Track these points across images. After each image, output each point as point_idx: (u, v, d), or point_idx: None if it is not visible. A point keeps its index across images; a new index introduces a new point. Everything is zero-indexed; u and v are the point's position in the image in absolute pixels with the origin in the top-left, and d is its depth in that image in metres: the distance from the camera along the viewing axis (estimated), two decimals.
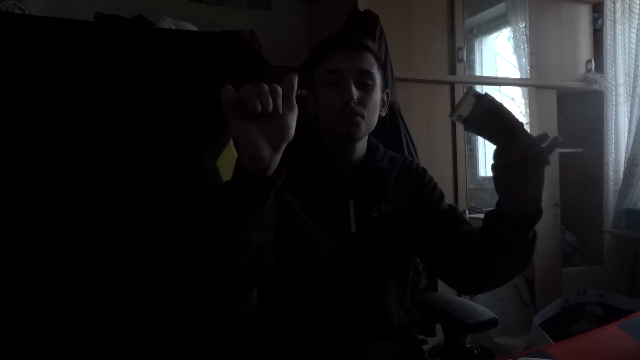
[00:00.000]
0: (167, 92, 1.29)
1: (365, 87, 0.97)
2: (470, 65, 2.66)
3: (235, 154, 1.22)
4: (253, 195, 0.69)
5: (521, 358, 0.85)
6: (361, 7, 1.71)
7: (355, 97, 0.94)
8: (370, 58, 0.99)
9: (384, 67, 1.05)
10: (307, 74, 1.04)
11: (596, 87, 2.44)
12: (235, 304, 1.07)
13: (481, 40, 2.81)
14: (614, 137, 2.42)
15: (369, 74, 0.98)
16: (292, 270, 0.94)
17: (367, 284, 0.95)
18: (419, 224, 1.01)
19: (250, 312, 1.09)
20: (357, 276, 0.95)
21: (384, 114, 1.07)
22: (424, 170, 1.10)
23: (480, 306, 1.11)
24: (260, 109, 0.65)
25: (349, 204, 0.97)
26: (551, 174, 2.33)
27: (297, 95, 1.01)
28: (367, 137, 1.06)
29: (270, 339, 0.98)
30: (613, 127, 2.42)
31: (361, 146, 1.04)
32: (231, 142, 1.22)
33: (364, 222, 0.98)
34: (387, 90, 1.07)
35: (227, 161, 1.25)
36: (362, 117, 0.97)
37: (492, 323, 1.06)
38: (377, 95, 1.00)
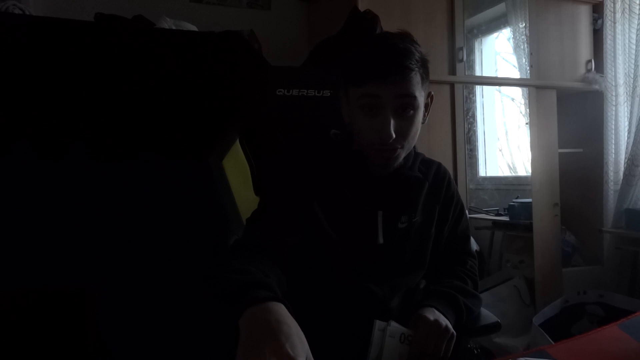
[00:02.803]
0: (167, 92, 1.28)
1: (406, 114, 0.87)
2: (470, 65, 2.66)
3: (241, 155, 1.22)
4: None
5: (521, 358, 0.85)
6: (361, 7, 1.71)
7: (393, 135, 0.85)
8: (414, 78, 0.87)
9: (428, 73, 0.95)
10: (338, 82, 0.96)
11: (596, 87, 2.44)
12: None
13: (481, 40, 2.81)
14: (614, 137, 2.42)
15: (411, 99, 0.87)
16: (304, 282, 0.93)
17: (380, 294, 0.95)
18: (434, 237, 1.03)
19: None
20: (371, 287, 0.94)
21: (426, 121, 0.98)
22: (455, 191, 1.08)
23: (483, 309, 1.09)
24: None
25: (377, 215, 0.94)
26: (551, 174, 2.33)
27: (318, 96, 0.99)
28: None
29: None
30: (613, 127, 2.42)
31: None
32: (237, 142, 1.22)
33: (391, 233, 0.96)
34: (432, 93, 0.98)
35: (232, 162, 1.26)
36: (402, 148, 0.90)
37: (495, 327, 1.04)
38: (419, 117, 0.91)
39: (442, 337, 0.85)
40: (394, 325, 0.83)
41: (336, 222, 0.92)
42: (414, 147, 1.02)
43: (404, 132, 0.88)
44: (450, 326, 0.88)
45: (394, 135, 0.85)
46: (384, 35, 0.94)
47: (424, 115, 0.95)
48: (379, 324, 0.82)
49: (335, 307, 0.93)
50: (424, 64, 0.92)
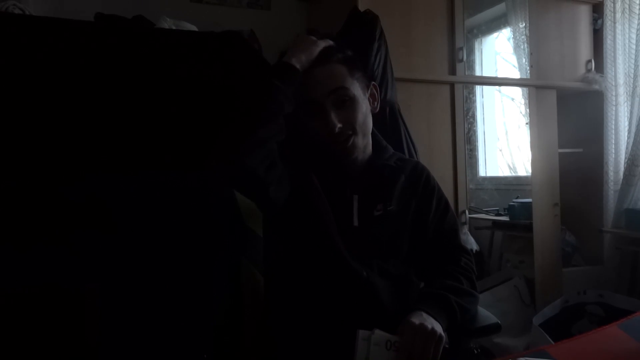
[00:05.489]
0: (167, 92, 1.29)
1: (344, 104, 0.99)
2: (470, 65, 2.66)
3: None
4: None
5: (521, 358, 0.85)
6: (361, 7, 1.71)
7: (338, 125, 0.97)
8: (337, 69, 1.00)
9: (357, 66, 1.06)
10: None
11: (596, 87, 2.44)
12: (240, 296, 1.09)
13: (481, 40, 2.81)
14: (614, 137, 2.42)
15: (343, 90, 0.99)
16: (302, 247, 1.00)
17: (363, 273, 0.97)
18: (415, 231, 1.06)
19: (256, 304, 1.11)
20: (354, 265, 0.97)
21: (377, 109, 1.08)
22: (435, 185, 1.11)
23: (484, 310, 1.09)
24: None
25: (352, 199, 1.01)
26: (551, 174, 2.33)
27: None
28: (370, 137, 1.07)
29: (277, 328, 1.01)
30: (613, 127, 2.42)
31: (362, 149, 1.05)
32: None
33: (366, 218, 1.00)
34: (373, 82, 1.09)
35: None
36: (354, 133, 1.00)
37: (495, 328, 1.04)
38: (361, 103, 1.02)
39: (429, 341, 0.85)
40: (378, 333, 0.83)
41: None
42: (392, 148, 1.13)
43: (348, 118, 0.99)
44: (437, 328, 0.87)
45: (337, 124, 0.97)
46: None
47: (372, 104, 1.06)
48: (362, 333, 0.82)
49: (325, 278, 0.97)
50: (348, 60, 1.03)
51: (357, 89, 1.02)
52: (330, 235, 0.97)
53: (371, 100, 1.06)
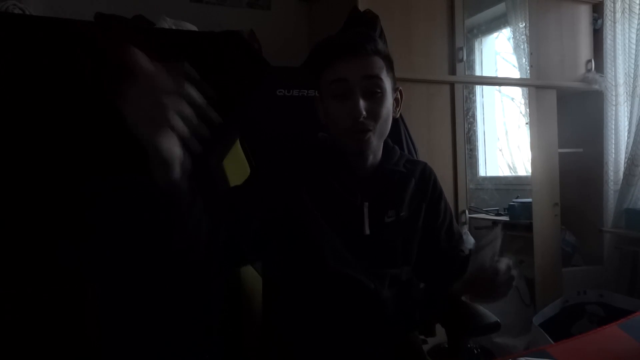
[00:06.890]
0: None
1: (374, 96, 0.91)
2: (470, 65, 2.66)
3: (241, 155, 1.23)
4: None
5: (521, 358, 0.85)
6: (361, 7, 1.71)
7: (363, 113, 0.89)
8: (378, 61, 0.92)
9: (392, 66, 0.99)
10: (312, 78, 1.01)
11: (596, 87, 2.44)
12: (239, 308, 1.08)
13: (481, 40, 2.81)
14: (614, 137, 2.42)
15: (377, 80, 0.91)
16: (296, 269, 0.96)
17: (370, 286, 0.95)
18: (424, 236, 1.05)
19: (253, 316, 1.10)
20: (361, 278, 0.94)
21: (398, 115, 1.02)
22: (441, 189, 1.10)
23: (483, 309, 1.10)
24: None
25: (363, 206, 0.96)
26: (551, 174, 2.33)
27: (305, 95, 1.03)
28: (382, 141, 1.04)
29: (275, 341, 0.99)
30: (613, 127, 2.42)
31: (375, 151, 1.00)
32: (237, 143, 1.22)
33: (378, 225, 0.97)
34: (400, 88, 1.02)
35: (232, 162, 1.26)
36: (373, 130, 0.92)
37: (495, 327, 1.05)
38: (388, 101, 0.94)
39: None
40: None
41: (324, 211, 0.94)
42: (399, 149, 1.07)
43: (374, 112, 0.91)
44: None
45: (364, 112, 0.89)
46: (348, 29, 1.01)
47: (395, 108, 0.99)
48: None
49: (327, 297, 0.94)
50: (387, 57, 0.96)
51: (389, 86, 0.95)
52: (323, 255, 0.92)
53: (394, 104, 0.99)
